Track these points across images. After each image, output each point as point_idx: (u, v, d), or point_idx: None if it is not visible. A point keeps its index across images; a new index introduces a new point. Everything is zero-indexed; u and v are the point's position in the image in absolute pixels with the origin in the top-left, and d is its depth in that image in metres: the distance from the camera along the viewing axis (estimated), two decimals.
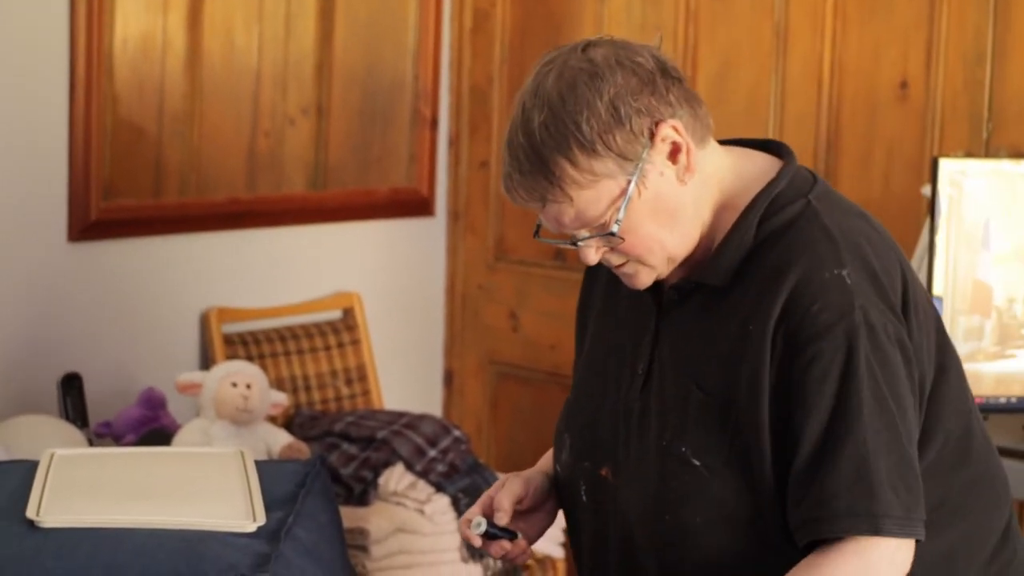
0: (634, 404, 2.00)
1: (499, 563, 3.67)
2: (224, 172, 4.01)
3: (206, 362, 3.90)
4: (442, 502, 3.70)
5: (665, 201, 1.92)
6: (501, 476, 3.71)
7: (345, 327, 4.18)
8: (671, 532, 1.94)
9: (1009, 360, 3.13)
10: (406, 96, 4.36)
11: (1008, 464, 2.38)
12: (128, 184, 3.81)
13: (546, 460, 2.20)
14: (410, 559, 3.63)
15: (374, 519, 3.60)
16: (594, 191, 1.89)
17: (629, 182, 1.89)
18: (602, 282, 2.13)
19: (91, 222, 3.67)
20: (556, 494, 2.15)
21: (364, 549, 3.56)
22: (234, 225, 4.00)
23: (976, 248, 3.10)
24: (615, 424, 2.02)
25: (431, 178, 4.42)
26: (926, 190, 3.25)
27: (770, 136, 3.79)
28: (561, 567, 3.90)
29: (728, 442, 1.90)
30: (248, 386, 3.49)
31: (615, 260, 1.96)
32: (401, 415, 3.91)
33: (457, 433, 3.85)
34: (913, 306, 1.93)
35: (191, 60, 3.89)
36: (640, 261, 1.95)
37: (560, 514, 2.17)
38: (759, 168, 1.99)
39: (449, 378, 4.55)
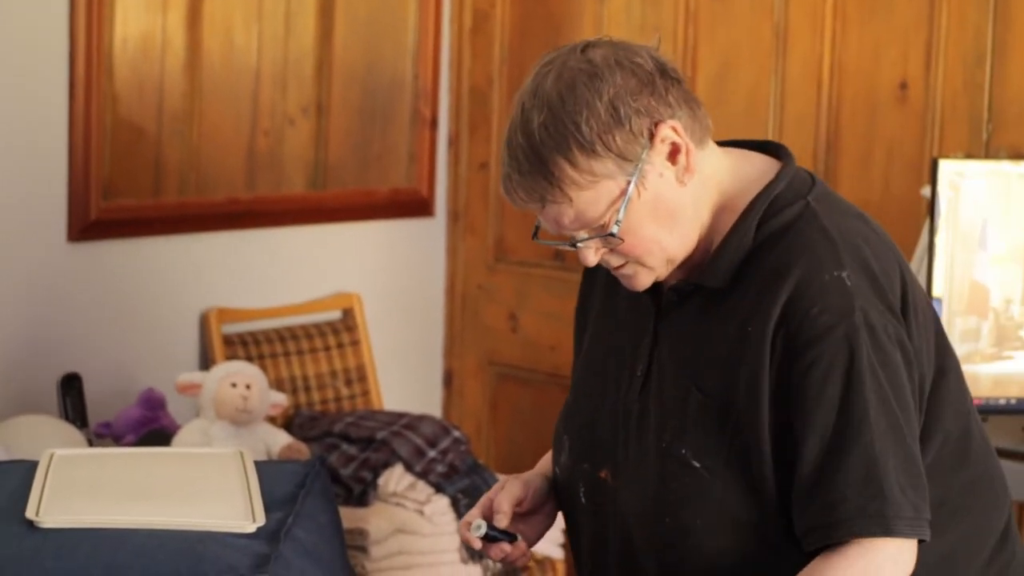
0: (633, 406, 2.00)
1: (499, 565, 3.67)
2: (224, 172, 4.01)
3: (206, 362, 3.89)
4: (441, 503, 3.70)
5: (665, 202, 1.92)
6: (501, 477, 3.72)
7: (345, 327, 4.18)
8: (671, 534, 1.94)
9: (1006, 361, 3.13)
10: (406, 96, 4.36)
11: (1008, 465, 2.39)
12: (128, 184, 3.81)
13: (545, 462, 2.20)
14: (409, 560, 3.63)
15: (374, 520, 3.60)
16: (594, 192, 1.89)
17: (629, 183, 1.89)
18: (601, 283, 2.13)
19: (91, 222, 3.67)
20: (555, 496, 2.15)
21: (363, 550, 3.56)
22: (234, 225, 4.00)
23: (973, 249, 3.10)
24: (614, 426, 2.02)
25: (431, 178, 4.42)
26: (926, 191, 3.25)
27: (770, 137, 3.79)
28: (561, 568, 3.90)
29: (728, 443, 1.90)
30: (248, 386, 3.49)
31: (614, 261, 1.95)
32: (401, 416, 3.91)
33: (457, 434, 3.85)
34: (912, 308, 1.93)
35: (191, 59, 3.89)
36: (639, 262, 1.95)
37: (560, 516, 2.17)
38: (758, 170, 1.99)
39: (449, 379, 4.55)
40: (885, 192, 3.69)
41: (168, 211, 3.88)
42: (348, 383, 4.14)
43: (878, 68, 3.69)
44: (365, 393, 4.17)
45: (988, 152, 3.50)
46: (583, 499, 2.06)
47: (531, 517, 2.14)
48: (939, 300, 3.08)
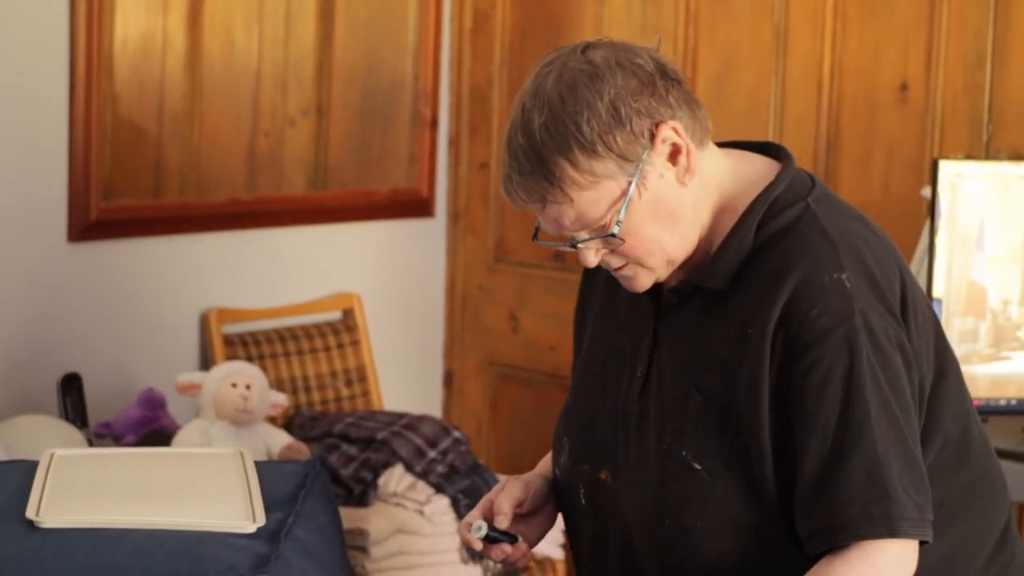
0: (633, 407, 2.00)
1: (499, 565, 3.67)
2: (224, 172, 4.01)
3: (206, 363, 3.89)
4: (442, 503, 3.70)
5: (665, 203, 1.92)
6: (501, 477, 3.72)
7: (345, 328, 4.18)
8: (671, 535, 1.94)
9: (1004, 362, 3.13)
10: (406, 97, 4.36)
11: (1008, 466, 2.39)
12: (128, 184, 3.81)
13: (545, 463, 2.20)
14: (410, 560, 3.63)
15: (374, 520, 3.60)
16: (594, 192, 1.89)
17: (630, 183, 1.89)
18: (600, 284, 2.13)
19: (91, 222, 3.67)
20: (555, 497, 2.15)
21: (364, 550, 3.56)
22: (234, 225, 4.00)
23: (971, 250, 3.10)
24: (614, 427, 2.02)
25: (431, 179, 4.42)
26: (926, 192, 3.25)
27: (770, 137, 3.79)
28: (561, 569, 3.90)
29: (728, 445, 1.90)
30: (248, 387, 3.49)
31: (615, 262, 1.95)
32: (401, 416, 3.91)
33: (457, 434, 3.85)
34: (912, 309, 1.93)
35: (191, 60, 3.89)
36: (639, 263, 1.95)
37: (560, 517, 2.17)
38: (758, 171, 1.99)
39: (449, 379, 4.55)
40: (885, 193, 3.69)
41: (168, 211, 3.88)
42: (348, 383, 4.14)
43: (878, 69, 3.69)
44: (365, 393, 4.17)
45: (988, 153, 3.50)
46: (583, 500, 2.06)
47: (531, 518, 2.13)
48: (939, 301, 3.08)
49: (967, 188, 3.09)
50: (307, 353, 4.07)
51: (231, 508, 2.19)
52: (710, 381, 1.92)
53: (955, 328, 3.07)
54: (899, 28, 3.65)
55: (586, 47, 1.92)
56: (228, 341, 3.93)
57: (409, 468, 3.74)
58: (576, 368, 2.16)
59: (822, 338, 1.85)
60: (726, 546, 1.91)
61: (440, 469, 3.76)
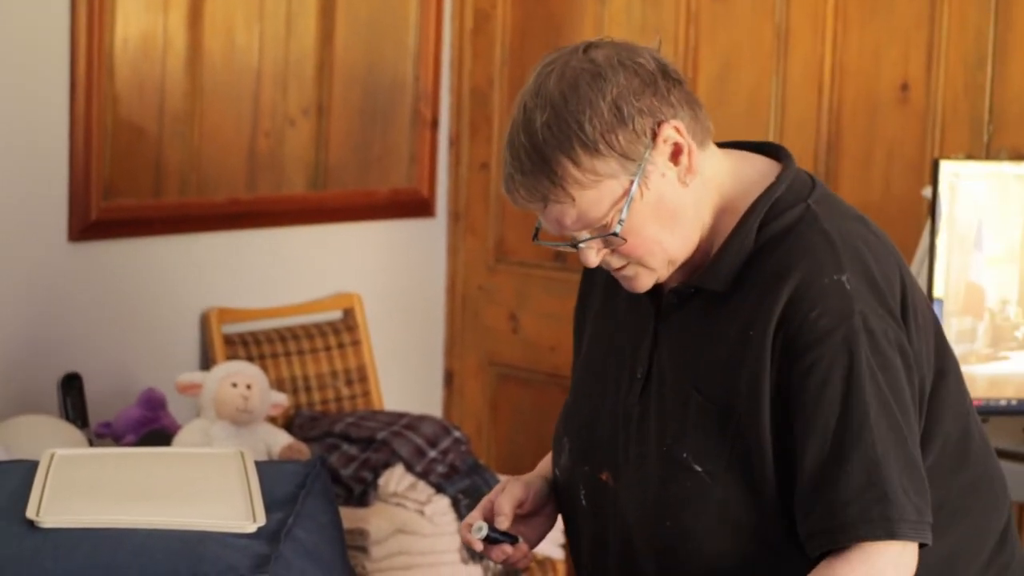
0: (633, 408, 2.00)
1: (499, 566, 3.67)
2: (224, 172, 4.01)
3: (206, 362, 3.89)
4: (442, 503, 3.70)
5: (667, 202, 1.92)
6: (501, 477, 3.72)
7: (345, 328, 4.18)
8: (671, 537, 1.94)
9: (1002, 362, 3.13)
10: (407, 97, 4.36)
11: (1008, 466, 2.39)
12: (128, 184, 3.81)
13: (545, 464, 2.20)
14: (410, 560, 3.63)
15: (374, 520, 3.60)
16: (596, 191, 1.88)
17: (632, 182, 1.89)
18: (600, 284, 2.12)
19: (91, 222, 3.67)
20: (555, 498, 2.15)
21: (364, 550, 3.56)
22: (234, 225, 4.00)
23: (969, 250, 3.10)
24: (614, 428, 2.02)
25: (431, 179, 4.42)
26: (927, 192, 3.25)
27: (771, 138, 3.79)
28: (561, 569, 3.90)
29: (728, 447, 1.90)
30: (248, 386, 3.49)
31: (615, 262, 1.95)
32: (401, 416, 3.91)
33: (457, 434, 3.85)
34: (912, 311, 1.93)
35: (192, 60, 3.89)
36: (641, 263, 1.94)
37: (560, 517, 2.17)
38: (758, 172, 1.98)
39: (449, 379, 4.55)
40: (886, 193, 3.69)
41: (169, 211, 3.88)
42: (348, 383, 4.14)
43: (879, 69, 3.69)
44: (366, 393, 4.17)
45: (989, 153, 3.50)
46: (583, 501, 2.06)
47: (532, 519, 2.13)
48: (940, 301, 3.08)
49: (965, 188, 3.09)
50: (307, 353, 4.07)
51: (231, 508, 2.19)
52: (711, 383, 1.92)
53: (953, 328, 3.07)
54: (900, 28, 3.65)
55: (588, 47, 1.92)
56: (228, 341, 3.93)
57: (409, 468, 3.74)
58: (576, 368, 2.16)
59: (822, 339, 1.85)
60: (727, 547, 1.91)
61: (440, 469, 3.76)
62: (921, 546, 1.86)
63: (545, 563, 3.87)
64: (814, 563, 1.86)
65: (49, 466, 2.31)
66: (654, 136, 1.89)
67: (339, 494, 3.62)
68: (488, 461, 4.37)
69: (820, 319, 1.85)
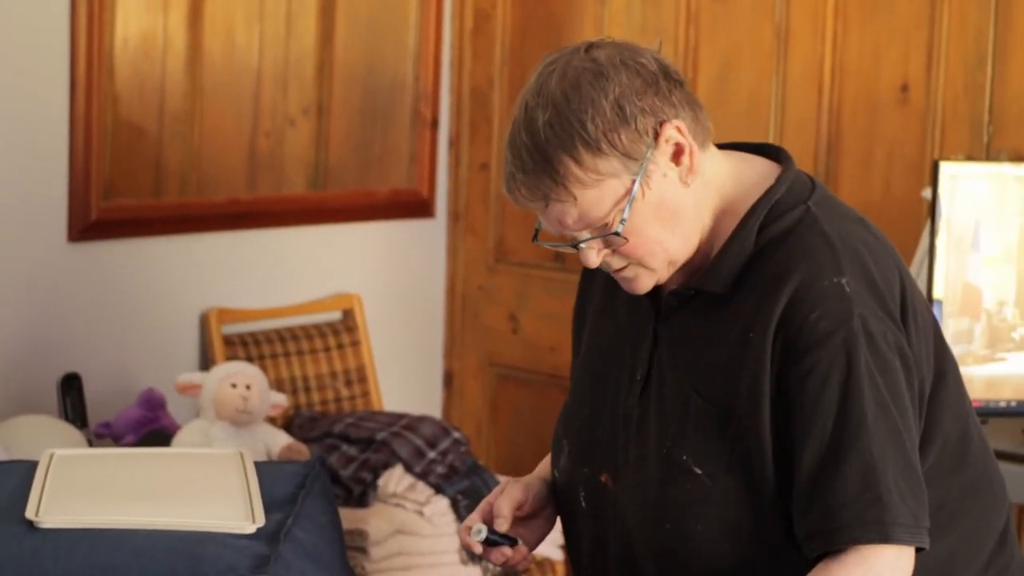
0: (633, 410, 2.00)
1: (498, 567, 3.67)
2: (224, 172, 4.01)
3: (206, 363, 3.89)
4: (441, 504, 3.70)
5: (668, 203, 1.91)
6: (500, 478, 3.72)
7: (345, 328, 4.18)
8: (671, 539, 1.93)
9: (999, 363, 3.12)
10: (406, 97, 4.36)
11: (1008, 468, 2.39)
12: (128, 184, 3.81)
13: (544, 466, 2.19)
14: (409, 561, 3.63)
15: (373, 521, 3.60)
16: (598, 190, 1.88)
17: (633, 182, 1.88)
18: (599, 285, 2.12)
19: (91, 222, 3.67)
20: (554, 500, 2.14)
21: (363, 551, 3.56)
22: (234, 225, 4.00)
23: (966, 250, 3.10)
24: (614, 429, 2.02)
25: (431, 179, 4.42)
26: (926, 193, 3.25)
27: (771, 138, 3.80)
28: (560, 570, 3.90)
29: (729, 449, 1.90)
30: (248, 387, 3.49)
31: (616, 263, 1.95)
32: (401, 416, 3.91)
33: (456, 435, 3.85)
34: (912, 313, 1.93)
35: (192, 59, 3.89)
36: (641, 264, 1.94)
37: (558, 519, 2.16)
38: (758, 173, 1.98)
39: (449, 380, 4.55)
40: (886, 194, 3.69)
41: (169, 211, 3.88)
42: (348, 384, 4.14)
43: (879, 70, 3.69)
44: (365, 394, 4.17)
45: (989, 154, 3.50)
46: (583, 503, 2.06)
47: (531, 521, 2.13)
48: (939, 302, 3.08)
49: (962, 189, 3.09)
50: (307, 353, 4.07)
51: (231, 508, 2.19)
52: (710, 385, 1.92)
53: (950, 329, 3.06)
54: (900, 29, 3.65)
55: (589, 46, 1.92)
56: (228, 341, 3.93)
57: (409, 469, 3.74)
58: (575, 370, 2.16)
59: (821, 342, 1.85)
60: (726, 550, 1.91)
61: (440, 470, 3.76)
62: (920, 550, 1.86)
63: (544, 564, 3.87)
64: (812, 564, 1.86)
65: (48, 466, 2.31)
66: (656, 136, 1.89)
67: (338, 495, 3.62)
68: (488, 462, 4.37)
69: (820, 321, 1.85)
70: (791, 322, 1.86)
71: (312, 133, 4.16)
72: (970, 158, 3.45)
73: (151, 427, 3.51)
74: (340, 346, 4.14)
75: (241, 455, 2.40)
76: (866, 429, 1.83)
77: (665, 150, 1.90)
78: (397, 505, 3.68)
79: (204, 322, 3.92)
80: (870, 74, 3.71)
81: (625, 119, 1.87)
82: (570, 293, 2.23)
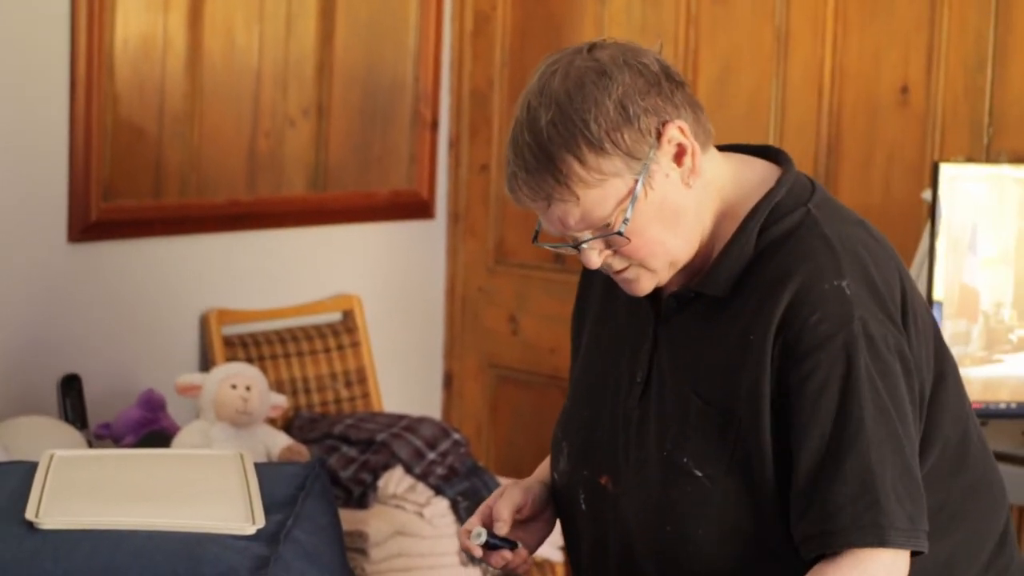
0: (633, 412, 2.00)
1: (498, 570, 3.67)
2: (224, 173, 4.01)
3: (206, 364, 3.89)
4: (441, 505, 3.70)
5: (670, 204, 1.91)
6: (500, 479, 3.72)
7: (345, 329, 4.18)
8: (672, 541, 1.93)
9: (996, 365, 3.12)
10: (406, 98, 4.36)
11: (1007, 470, 2.39)
12: (128, 185, 3.81)
13: (543, 468, 2.19)
14: (409, 562, 3.63)
15: (373, 522, 3.60)
16: (601, 190, 1.88)
17: (636, 182, 1.88)
18: (598, 287, 2.12)
19: (91, 223, 3.67)
20: (554, 502, 2.14)
21: (363, 552, 3.56)
22: (234, 226, 4.00)
23: (963, 252, 3.10)
24: (614, 432, 2.02)
25: (431, 180, 4.42)
26: (926, 195, 3.25)
27: (771, 140, 3.80)
28: (560, 571, 3.90)
29: (729, 451, 1.90)
30: (248, 388, 3.49)
31: (617, 264, 1.95)
32: (400, 418, 3.91)
33: (456, 436, 3.85)
34: (912, 315, 1.93)
35: (192, 60, 3.89)
36: (643, 265, 1.94)
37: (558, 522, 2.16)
38: (758, 176, 1.98)
39: (449, 381, 4.54)
40: (886, 196, 3.69)
41: (168, 212, 3.87)
42: (348, 385, 4.14)
43: (879, 72, 3.69)
44: (365, 395, 4.17)
45: (989, 156, 3.50)
46: (583, 506, 2.05)
47: (531, 524, 2.13)
48: (940, 304, 3.08)
49: (959, 190, 3.09)
50: (307, 355, 4.07)
51: (231, 510, 2.19)
52: (711, 387, 1.92)
53: (947, 330, 3.07)
54: (900, 31, 3.65)
55: (592, 47, 1.92)
56: (228, 342, 3.93)
57: (408, 470, 3.74)
58: (574, 372, 2.16)
59: (822, 344, 1.85)
60: (727, 552, 1.91)
61: (440, 471, 3.76)
62: (917, 553, 1.86)
63: (544, 565, 3.87)
64: (809, 566, 1.86)
65: (48, 467, 2.31)
66: (659, 136, 1.89)
67: (338, 496, 3.62)
68: (487, 463, 4.37)
69: (820, 324, 1.85)
70: (791, 325, 1.86)
71: (312, 134, 4.16)
72: (970, 160, 3.45)
73: (151, 428, 3.51)
74: (340, 347, 4.14)
75: (241, 456, 2.40)
76: (865, 432, 1.83)
77: (667, 150, 1.90)
78: (397, 506, 3.68)
79: (204, 323, 3.92)
80: (870, 76, 3.71)
81: (628, 119, 1.87)
82: (570, 294, 2.23)
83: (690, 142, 1.90)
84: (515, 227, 4.35)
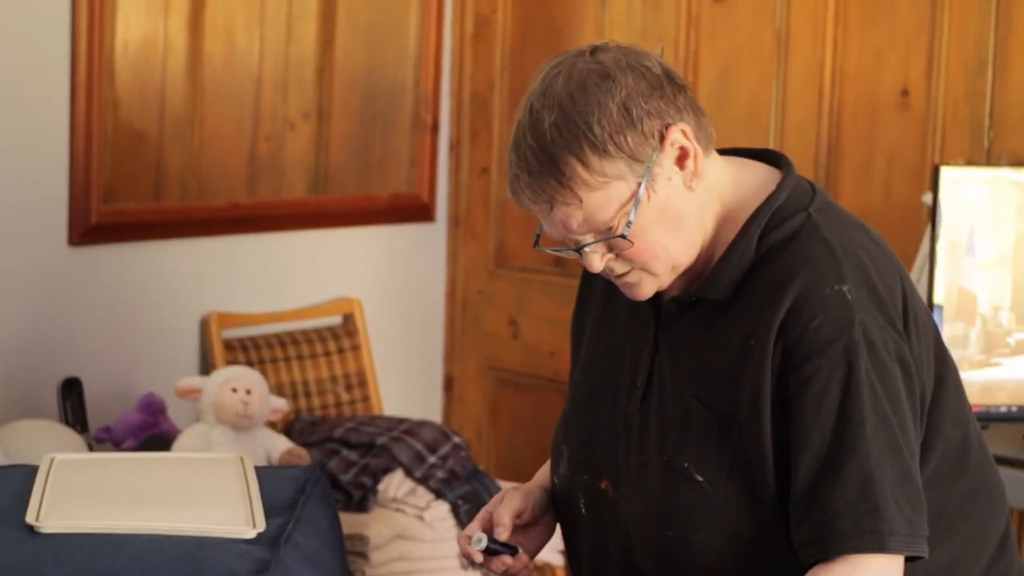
0: (633, 417, 2.00)
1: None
2: (225, 176, 4.01)
3: (206, 367, 3.89)
4: (441, 509, 3.70)
5: (672, 207, 1.91)
6: (501, 483, 3.72)
7: (345, 333, 4.17)
8: (673, 546, 1.93)
9: (994, 368, 3.12)
10: (407, 101, 4.36)
11: (1008, 473, 2.39)
12: (128, 188, 3.81)
13: (543, 473, 2.19)
14: (409, 566, 3.63)
15: (374, 525, 3.60)
16: (604, 193, 1.88)
17: (639, 185, 1.88)
18: (598, 291, 2.12)
19: (91, 226, 3.67)
20: (554, 506, 2.14)
21: (364, 555, 3.56)
22: (234, 230, 4.00)
23: (961, 255, 3.10)
24: (614, 436, 2.02)
25: (432, 183, 4.42)
26: (927, 198, 3.25)
27: (771, 143, 3.80)
28: (560, 575, 3.89)
29: (730, 456, 1.89)
30: (248, 391, 3.49)
31: (619, 268, 1.95)
32: (401, 421, 3.91)
33: (457, 439, 3.84)
34: (913, 319, 1.93)
35: (192, 63, 3.89)
36: (645, 268, 1.94)
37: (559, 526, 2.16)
38: (759, 180, 1.98)
39: (449, 384, 4.54)
40: (886, 199, 3.69)
41: (169, 215, 3.87)
42: (348, 388, 4.14)
43: (879, 74, 3.69)
44: (365, 398, 4.17)
45: (990, 159, 3.50)
46: (583, 510, 2.05)
47: (531, 529, 2.13)
48: (940, 307, 3.08)
49: (958, 193, 3.09)
50: (307, 358, 4.07)
51: (231, 513, 2.19)
52: (712, 392, 1.92)
53: (945, 334, 3.06)
54: (900, 34, 3.65)
55: (594, 49, 1.92)
56: (228, 346, 3.93)
57: (409, 473, 3.74)
58: (574, 376, 2.16)
59: (822, 349, 1.85)
60: (727, 557, 1.90)
61: (440, 475, 3.76)
62: (917, 559, 1.86)
63: (544, 569, 3.87)
64: (807, 569, 1.86)
65: (49, 471, 2.31)
66: (662, 139, 1.88)
67: (339, 499, 3.62)
68: (488, 467, 4.37)
69: (821, 329, 1.85)
70: (792, 329, 1.86)
71: (312, 137, 4.16)
72: (970, 163, 3.45)
73: (151, 431, 3.51)
74: (340, 350, 4.14)
75: (241, 460, 2.40)
76: (864, 437, 1.83)
77: (670, 153, 1.90)
78: (397, 510, 3.68)
79: (204, 326, 3.92)
80: (870, 79, 3.71)
81: (631, 121, 1.86)
82: (570, 298, 2.23)
83: (693, 145, 1.90)
84: (515, 230, 4.35)
